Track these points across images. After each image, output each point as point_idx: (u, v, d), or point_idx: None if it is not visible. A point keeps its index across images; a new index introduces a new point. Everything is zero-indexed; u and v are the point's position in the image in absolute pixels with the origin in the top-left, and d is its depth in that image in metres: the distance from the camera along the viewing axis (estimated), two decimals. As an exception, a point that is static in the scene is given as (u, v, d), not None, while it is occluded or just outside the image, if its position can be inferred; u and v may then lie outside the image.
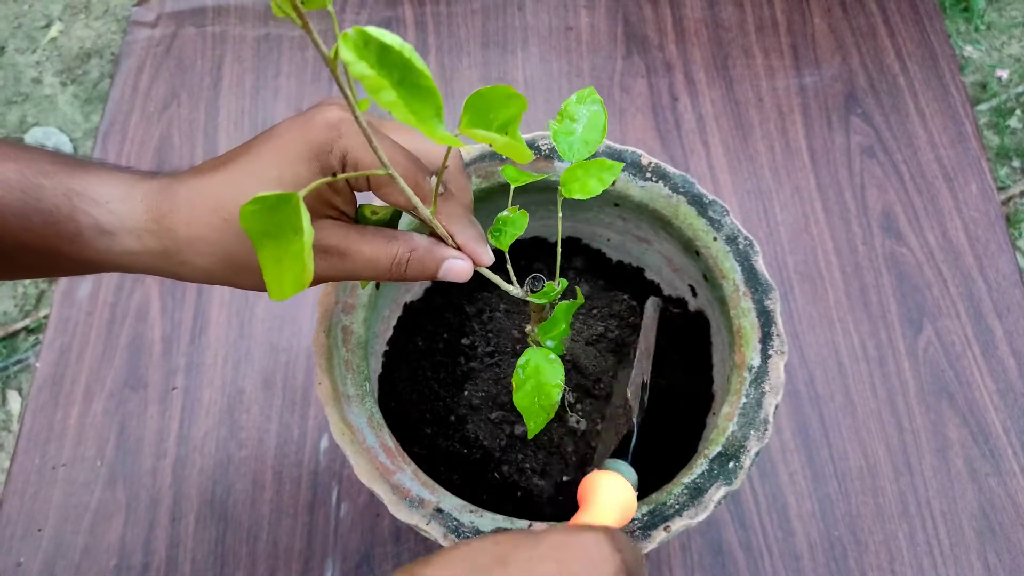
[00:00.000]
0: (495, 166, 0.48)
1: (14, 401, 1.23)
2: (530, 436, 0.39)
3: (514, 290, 0.39)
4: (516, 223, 0.39)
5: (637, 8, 0.78)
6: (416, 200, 0.32)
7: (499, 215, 0.39)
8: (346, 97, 0.27)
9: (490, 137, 0.28)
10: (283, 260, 0.28)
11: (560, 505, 0.47)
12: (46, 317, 1.27)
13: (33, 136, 1.44)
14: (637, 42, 0.76)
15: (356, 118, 0.28)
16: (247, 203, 0.27)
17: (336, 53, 0.25)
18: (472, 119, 0.29)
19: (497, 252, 0.37)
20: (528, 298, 0.39)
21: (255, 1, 0.79)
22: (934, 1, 0.78)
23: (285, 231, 0.27)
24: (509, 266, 0.40)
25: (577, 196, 0.40)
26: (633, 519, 0.39)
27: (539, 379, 0.38)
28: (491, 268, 0.37)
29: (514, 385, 0.38)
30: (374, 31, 0.24)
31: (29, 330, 1.29)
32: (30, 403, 0.60)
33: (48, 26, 1.57)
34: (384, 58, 0.25)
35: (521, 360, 0.38)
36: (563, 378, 0.38)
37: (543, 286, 0.39)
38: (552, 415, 0.38)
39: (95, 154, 0.71)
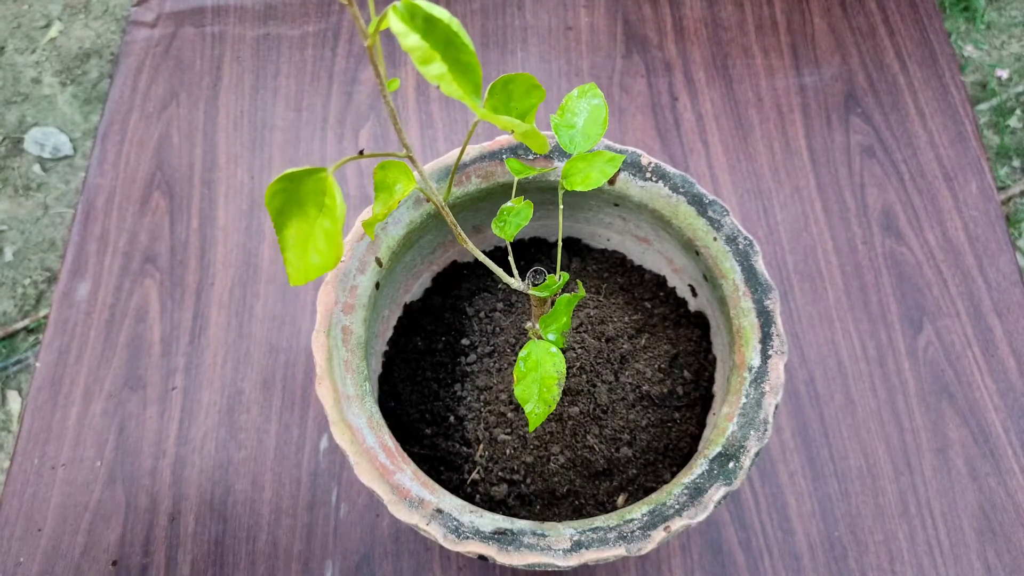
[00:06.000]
0: (495, 166, 0.48)
1: (14, 401, 1.23)
2: (531, 429, 0.39)
3: (516, 283, 0.39)
4: (521, 213, 0.39)
5: (636, 8, 0.78)
6: (429, 184, 0.32)
7: (504, 206, 0.40)
8: (377, 75, 0.27)
9: (512, 123, 0.28)
10: (310, 239, 0.27)
11: (560, 505, 0.47)
12: (45, 317, 1.27)
13: (32, 136, 1.44)
14: (636, 42, 0.76)
15: (385, 99, 0.28)
16: (274, 181, 0.27)
17: (376, 27, 0.24)
18: (496, 105, 0.29)
19: (500, 244, 0.38)
20: (530, 291, 0.39)
21: (255, 1, 0.79)
22: (934, 1, 0.78)
23: (311, 209, 0.27)
24: (511, 259, 0.40)
25: (579, 188, 0.40)
26: (633, 519, 0.39)
27: (540, 372, 0.38)
28: (494, 261, 0.37)
29: (515, 378, 0.38)
30: (422, 3, 0.24)
31: (28, 330, 1.29)
32: (29, 403, 0.60)
33: (47, 26, 1.57)
34: (430, 31, 0.25)
35: (522, 353, 0.38)
36: (564, 371, 0.38)
37: (544, 279, 0.39)
38: (553, 408, 0.38)
39: (94, 154, 0.71)
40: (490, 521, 0.40)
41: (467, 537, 0.39)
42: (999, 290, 0.64)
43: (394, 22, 0.24)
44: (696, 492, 0.40)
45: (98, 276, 0.65)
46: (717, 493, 0.39)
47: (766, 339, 0.43)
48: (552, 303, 0.40)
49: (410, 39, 0.24)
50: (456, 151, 0.48)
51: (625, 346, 0.49)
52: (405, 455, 0.42)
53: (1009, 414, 0.59)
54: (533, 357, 0.38)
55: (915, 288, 0.64)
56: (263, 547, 0.55)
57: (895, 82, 0.73)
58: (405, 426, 0.49)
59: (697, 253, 0.47)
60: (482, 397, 0.49)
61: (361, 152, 0.32)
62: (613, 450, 0.47)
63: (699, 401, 0.50)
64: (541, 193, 0.50)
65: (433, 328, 0.53)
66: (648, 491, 0.46)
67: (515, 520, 0.40)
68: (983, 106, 1.44)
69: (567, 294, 0.39)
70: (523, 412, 0.47)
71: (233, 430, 0.59)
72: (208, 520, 0.56)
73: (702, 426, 0.49)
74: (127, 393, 0.61)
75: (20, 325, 1.28)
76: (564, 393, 0.47)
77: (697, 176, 0.69)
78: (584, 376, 0.47)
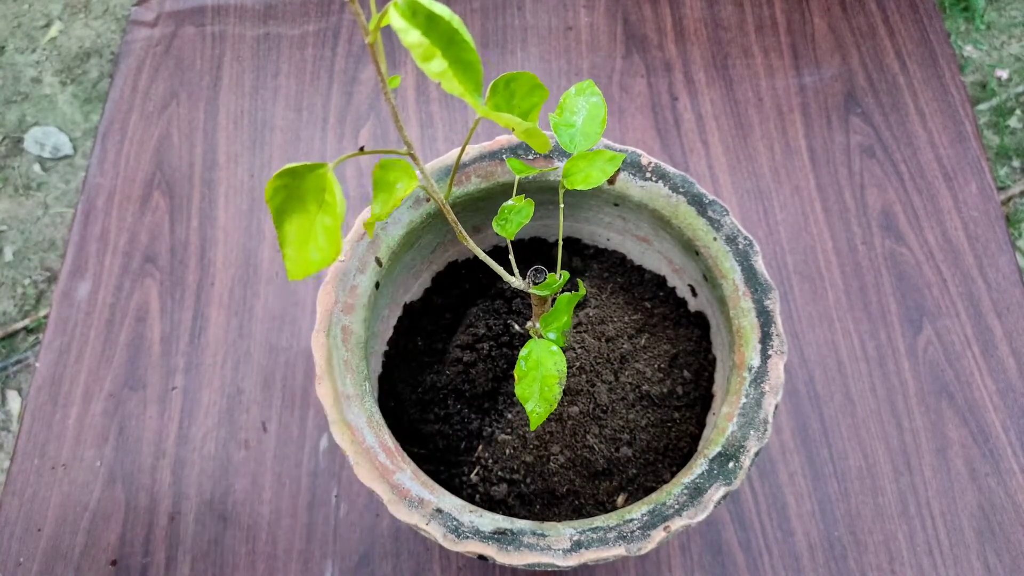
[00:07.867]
0: (495, 166, 0.48)
1: (14, 401, 1.23)
2: (532, 428, 0.39)
3: (516, 282, 0.39)
4: (522, 212, 0.39)
5: (636, 8, 0.78)
6: (431, 182, 0.33)
7: (505, 204, 0.40)
8: (379, 72, 0.27)
9: (514, 121, 0.28)
10: (309, 235, 0.27)
11: (560, 505, 0.47)
12: (45, 317, 1.27)
13: (32, 136, 1.44)
14: (636, 42, 0.76)
15: (386, 95, 0.28)
16: (274, 176, 0.27)
17: (377, 24, 0.24)
18: (498, 104, 0.29)
19: (500, 244, 0.38)
20: (530, 290, 0.39)
21: (255, 1, 0.79)
22: (934, 1, 0.78)
23: (311, 205, 0.27)
24: (512, 257, 0.40)
25: (580, 187, 0.40)
26: (633, 519, 0.39)
27: (541, 371, 0.38)
28: (496, 260, 0.37)
29: (516, 377, 0.38)
30: (423, 0, 0.24)
31: (28, 330, 1.29)
32: (29, 403, 0.60)
33: (48, 26, 1.57)
34: (432, 27, 0.25)
35: (523, 352, 0.38)
36: (565, 370, 0.38)
37: (545, 278, 0.39)
38: (554, 407, 0.38)
39: (94, 154, 0.71)
40: (490, 521, 0.40)
41: (467, 537, 0.39)
42: (999, 290, 0.64)
43: (395, 19, 0.24)
44: (696, 492, 0.40)
45: (98, 276, 0.65)
46: (717, 493, 0.40)
47: (766, 339, 0.43)
48: (552, 302, 0.40)
49: (411, 35, 0.24)
50: (456, 151, 0.48)
51: (625, 346, 0.49)
52: (405, 455, 0.42)
53: (1009, 414, 0.59)
54: (533, 356, 0.38)
55: (915, 288, 0.64)
56: (263, 547, 0.55)
57: (895, 82, 0.73)
58: (405, 426, 0.49)
59: (697, 253, 0.47)
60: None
61: (362, 148, 0.32)
62: (613, 450, 0.47)
63: (699, 401, 0.50)
64: (541, 193, 0.50)
65: (433, 328, 0.53)
66: (648, 491, 0.46)
67: (515, 520, 0.40)
68: (983, 106, 1.44)
69: (567, 293, 0.39)
70: (523, 412, 0.47)
71: (233, 430, 0.59)
72: (208, 520, 0.56)
73: (702, 426, 0.49)
74: (127, 393, 0.61)
75: (20, 325, 1.28)
76: (564, 393, 0.47)
77: (697, 176, 0.69)
78: (584, 376, 0.47)
